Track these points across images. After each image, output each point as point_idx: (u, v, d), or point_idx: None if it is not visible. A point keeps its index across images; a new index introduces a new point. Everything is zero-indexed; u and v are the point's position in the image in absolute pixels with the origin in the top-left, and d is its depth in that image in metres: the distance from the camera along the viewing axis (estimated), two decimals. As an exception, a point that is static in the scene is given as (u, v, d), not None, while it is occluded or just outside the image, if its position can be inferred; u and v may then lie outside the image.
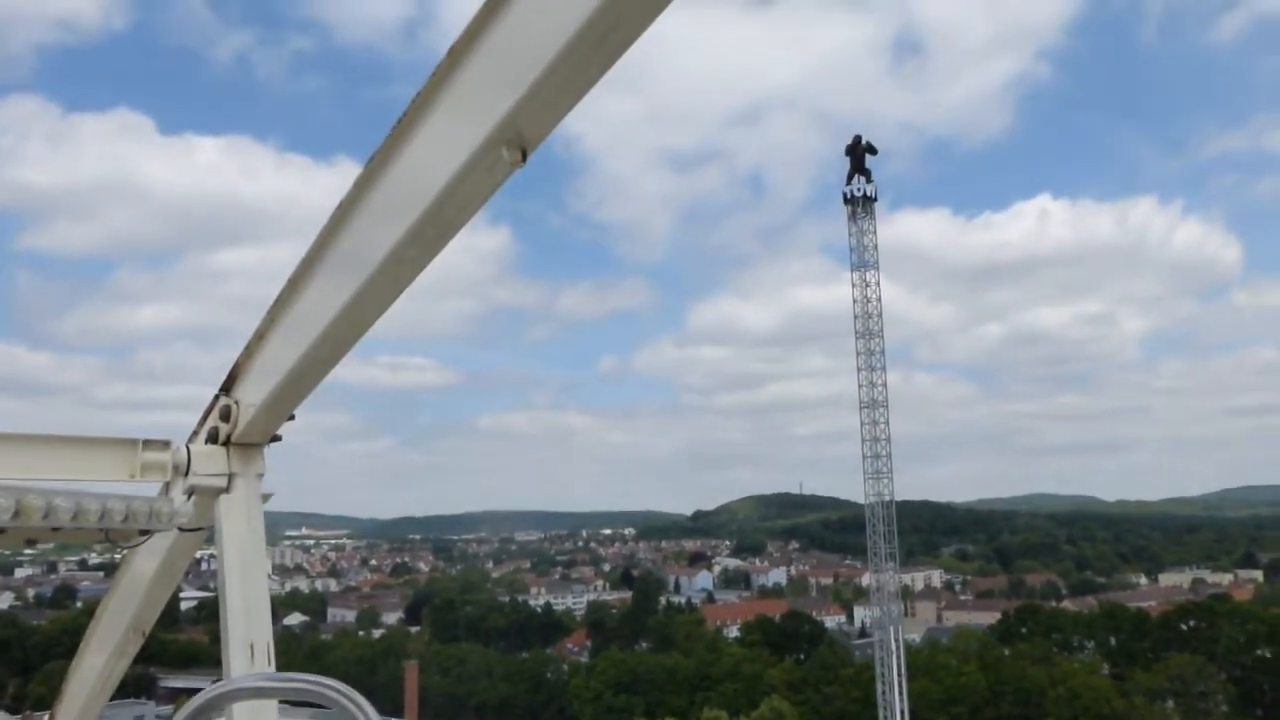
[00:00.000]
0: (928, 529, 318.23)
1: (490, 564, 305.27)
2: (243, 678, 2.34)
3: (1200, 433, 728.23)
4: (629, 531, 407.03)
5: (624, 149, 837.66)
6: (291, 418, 5.78)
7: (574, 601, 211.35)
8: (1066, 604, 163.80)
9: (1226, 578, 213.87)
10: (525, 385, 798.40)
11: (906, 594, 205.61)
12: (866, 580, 75.45)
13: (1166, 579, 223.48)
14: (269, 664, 5.73)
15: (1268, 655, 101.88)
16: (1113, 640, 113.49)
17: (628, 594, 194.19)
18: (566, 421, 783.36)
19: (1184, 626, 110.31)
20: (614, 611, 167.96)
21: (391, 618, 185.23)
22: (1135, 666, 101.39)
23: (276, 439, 5.91)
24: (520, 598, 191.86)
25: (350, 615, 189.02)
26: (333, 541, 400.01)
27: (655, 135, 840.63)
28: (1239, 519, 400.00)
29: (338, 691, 2.48)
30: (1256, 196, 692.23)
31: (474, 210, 4.26)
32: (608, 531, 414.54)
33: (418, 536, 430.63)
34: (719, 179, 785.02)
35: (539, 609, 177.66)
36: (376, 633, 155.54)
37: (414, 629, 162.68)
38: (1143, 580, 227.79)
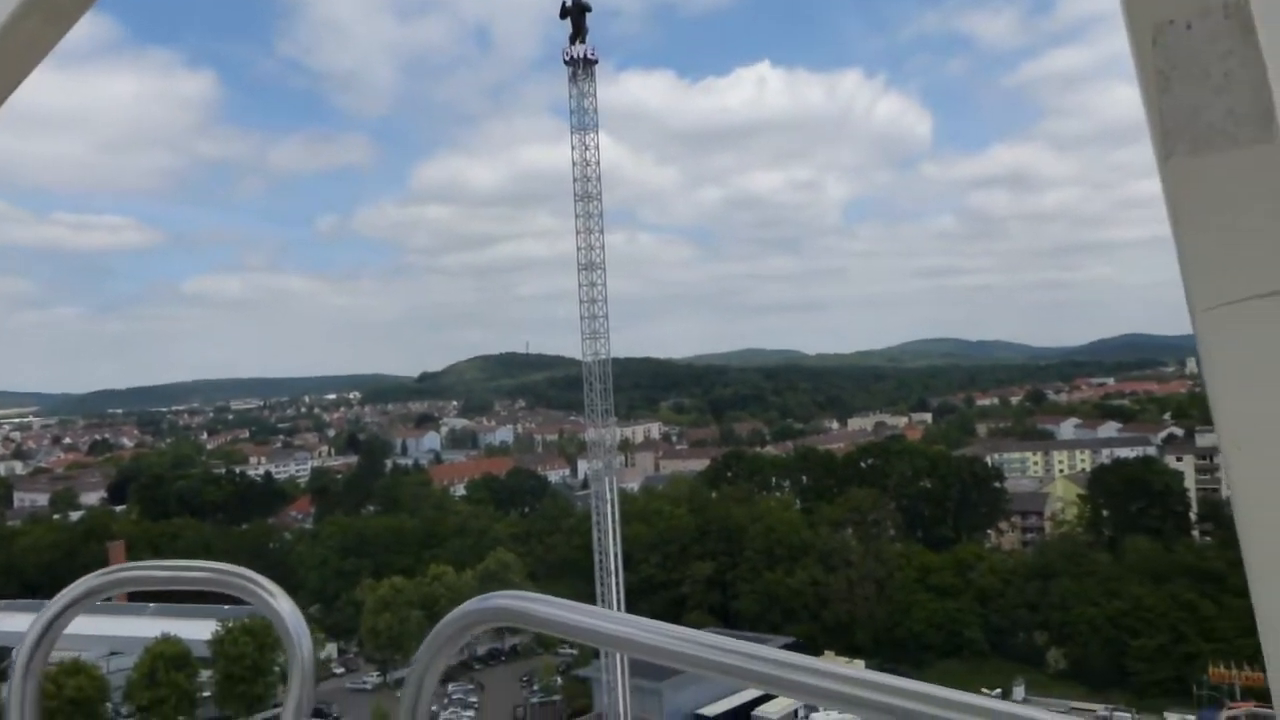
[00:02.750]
0: (649, 384, 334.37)
1: (204, 435, 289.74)
2: None
3: (888, 291, 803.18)
4: (354, 396, 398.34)
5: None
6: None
7: (297, 469, 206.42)
8: (770, 449, 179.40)
9: (903, 420, 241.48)
10: (236, 246, 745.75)
11: (627, 446, 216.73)
12: (589, 435, 78.98)
13: (855, 423, 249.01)
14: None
15: (929, 486, 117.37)
16: (805, 479, 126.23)
17: (354, 459, 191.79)
18: (284, 284, 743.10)
19: (864, 464, 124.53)
20: (339, 477, 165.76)
21: (92, 498, 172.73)
22: (822, 501, 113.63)
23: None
24: (238, 469, 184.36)
25: (42, 499, 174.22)
26: (16, 420, 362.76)
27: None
28: (916, 369, 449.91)
29: None
30: (946, 75, 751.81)
31: None
32: (332, 396, 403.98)
33: (119, 411, 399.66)
34: (444, 31, 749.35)
35: (259, 479, 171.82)
36: (75, 515, 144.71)
37: (119, 508, 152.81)
38: (835, 425, 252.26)
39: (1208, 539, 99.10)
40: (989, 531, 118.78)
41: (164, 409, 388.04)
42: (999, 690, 76.38)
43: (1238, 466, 1.62)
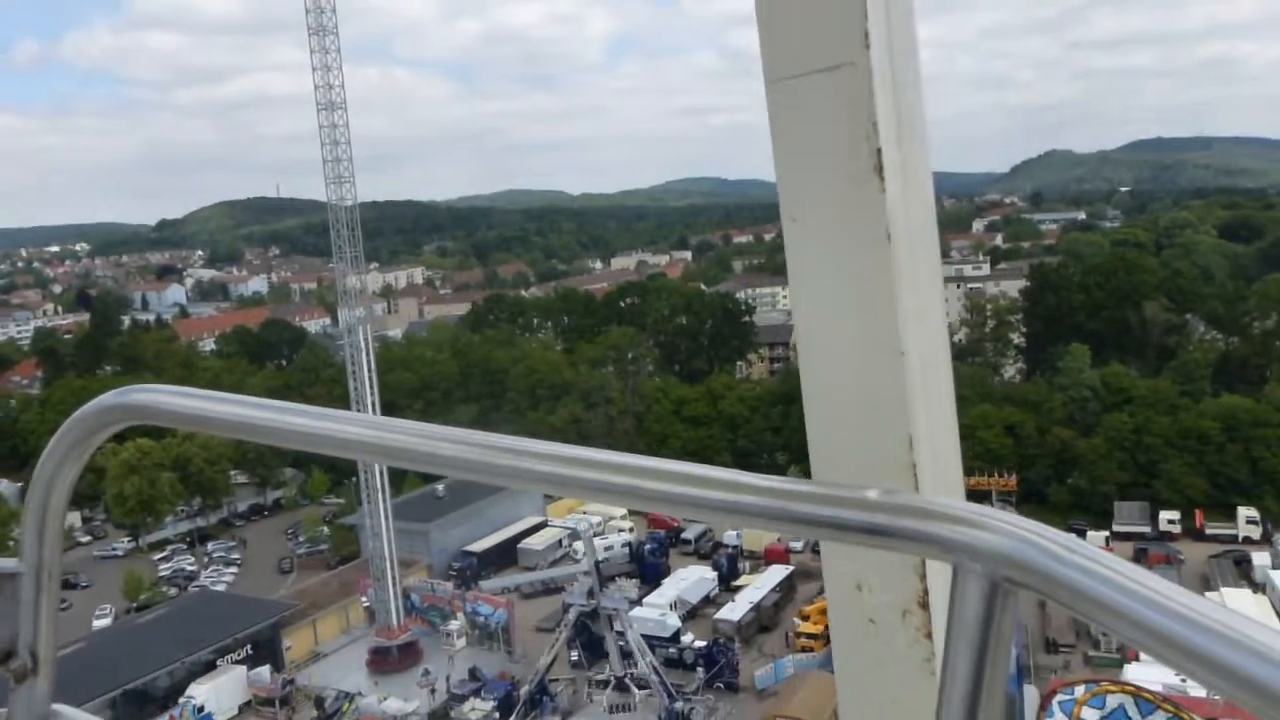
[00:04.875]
0: (411, 229, 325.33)
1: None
2: None
3: (651, 130, 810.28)
4: (81, 248, 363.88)
5: None
6: None
7: (18, 330, 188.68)
8: (534, 291, 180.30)
9: (664, 259, 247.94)
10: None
11: (389, 292, 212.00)
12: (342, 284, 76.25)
13: (618, 263, 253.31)
14: None
15: (684, 322, 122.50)
16: (566, 320, 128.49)
17: (85, 316, 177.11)
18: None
19: (624, 304, 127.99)
20: (68, 337, 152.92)
21: None
22: (583, 341, 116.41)
23: None
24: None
25: None
26: None
27: None
28: (678, 208, 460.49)
29: None
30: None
31: None
32: (54, 249, 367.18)
33: None
34: None
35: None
36: None
37: None
38: (599, 265, 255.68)
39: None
40: (740, 363, 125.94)
41: None
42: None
43: (793, 238, 1.66)
